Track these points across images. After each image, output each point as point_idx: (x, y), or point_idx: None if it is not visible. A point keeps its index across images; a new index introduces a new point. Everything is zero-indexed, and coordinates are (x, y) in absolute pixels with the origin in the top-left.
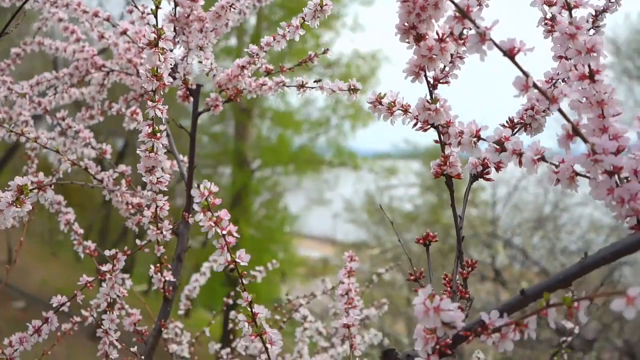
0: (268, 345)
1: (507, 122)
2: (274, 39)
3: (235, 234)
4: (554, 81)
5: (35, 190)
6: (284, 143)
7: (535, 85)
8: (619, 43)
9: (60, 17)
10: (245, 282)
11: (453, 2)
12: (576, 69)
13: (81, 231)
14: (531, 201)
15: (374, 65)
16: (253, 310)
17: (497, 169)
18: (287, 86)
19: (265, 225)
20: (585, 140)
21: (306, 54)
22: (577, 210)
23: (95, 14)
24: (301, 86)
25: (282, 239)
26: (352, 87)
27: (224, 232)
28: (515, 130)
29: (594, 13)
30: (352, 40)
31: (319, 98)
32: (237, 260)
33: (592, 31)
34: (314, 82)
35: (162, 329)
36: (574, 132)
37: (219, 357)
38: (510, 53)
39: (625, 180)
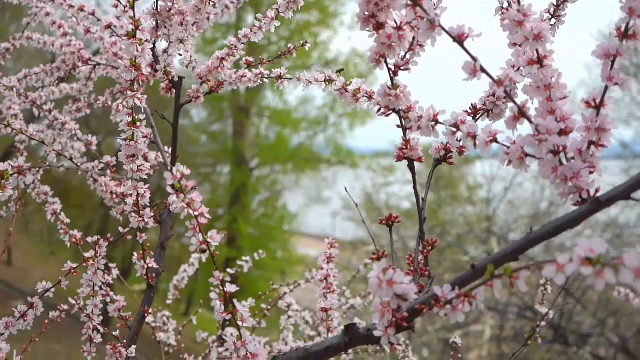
0: (239, 322)
1: (469, 108)
2: (251, 31)
3: (207, 215)
4: (515, 68)
5: (16, 175)
6: (282, 141)
7: (483, 70)
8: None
9: (47, 11)
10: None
11: None
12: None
13: (67, 221)
14: (528, 198)
15: None
16: (225, 289)
17: (460, 153)
18: (266, 78)
19: (264, 223)
20: (530, 121)
21: (304, 52)
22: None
23: (81, 9)
24: (279, 77)
25: (281, 237)
26: (327, 78)
27: (197, 213)
28: (478, 116)
29: (556, 2)
30: (349, 39)
31: (317, 96)
32: (209, 240)
33: (553, 20)
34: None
35: (146, 315)
36: (520, 113)
37: (211, 348)
38: (459, 39)
39: (572, 160)
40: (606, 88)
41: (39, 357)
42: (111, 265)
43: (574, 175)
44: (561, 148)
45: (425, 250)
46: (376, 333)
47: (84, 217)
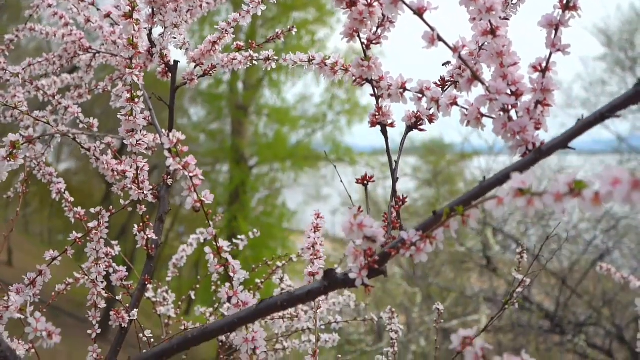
0: (231, 274)
1: (439, 80)
2: (240, 15)
3: (201, 177)
4: (479, 43)
5: (26, 144)
6: (280, 139)
7: (440, 38)
8: (610, 34)
9: (49, 3)
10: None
11: None
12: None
13: (72, 199)
14: None
15: None
16: (218, 244)
17: (430, 121)
18: (256, 60)
19: (264, 221)
20: (482, 83)
21: (302, 49)
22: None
23: None
24: (267, 59)
25: (280, 235)
26: (311, 58)
27: (191, 174)
28: (447, 87)
29: None
30: None
31: (315, 94)
32: (203, 199)
33: (515, 0)
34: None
35: (146, 283)
36: (474, 76)
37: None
38: (419, 12)
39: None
40: (550, 54)
41: (41, 356)
42: (114, 242)
43: (521, 130)
44: (510, 106)
45: (397, 206)
46: (351, 275)
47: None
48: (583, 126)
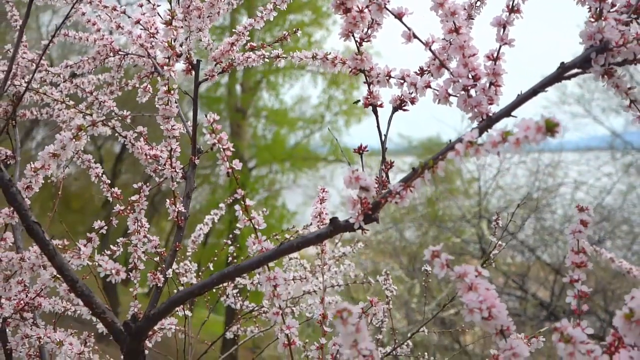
0: (256, 226)
1: (418, 69)
2: (255, 20)
3: (232, 149)
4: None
5: (91, 127)
6: (279, 141)
7: (415, 36)
8: None
9: (83, 11)
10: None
11: None
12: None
13: (108, 181)
14: (522, 185)
15: None
16: (246, 203)
17: (412, 102)
18: (267, 58)
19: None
20: (448, 70)
21: (299, 51)
22: (564, 192)
23: (114, 9)
24: (277, 57)
25: (281, 236)
26: (314, 55)
27: (224, 147)
28: (425, 74)
29: None
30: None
31: (312, 96)
32: (233, 166)
33: (478, 3)
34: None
35: (177, 249)
36: (441, 65)
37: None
38: (399, 16)
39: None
40: (500, 47)
41: None
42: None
43: (477, 104)
44: (469, 87)
45: (386, 168)
46: (351, 220)
47: (84, 222)
48: (521, 99)
